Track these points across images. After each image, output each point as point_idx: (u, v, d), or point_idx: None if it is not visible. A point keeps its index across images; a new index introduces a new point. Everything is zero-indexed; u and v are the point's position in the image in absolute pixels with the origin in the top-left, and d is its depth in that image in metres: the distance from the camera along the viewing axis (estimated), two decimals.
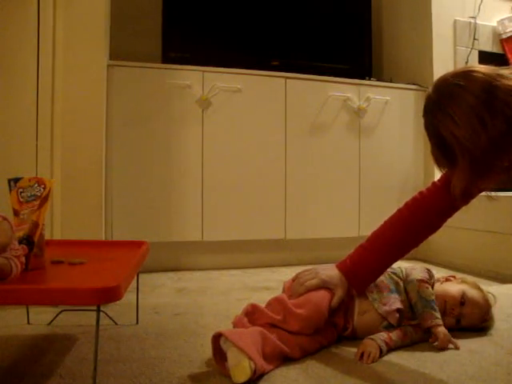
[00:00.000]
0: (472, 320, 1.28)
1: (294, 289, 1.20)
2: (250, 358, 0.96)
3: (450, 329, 1.22)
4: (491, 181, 0.97)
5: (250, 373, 0.95)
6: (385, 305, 1.23)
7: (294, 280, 1.24)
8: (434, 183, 1.22)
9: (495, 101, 0.88)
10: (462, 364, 1.09)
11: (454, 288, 1.29)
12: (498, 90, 0.88)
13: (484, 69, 0.92)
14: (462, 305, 1.26)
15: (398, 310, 1.23)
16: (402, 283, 1.29)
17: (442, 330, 1.19)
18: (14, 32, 1.69)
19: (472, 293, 1.28)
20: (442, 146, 0.95)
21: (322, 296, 1.16)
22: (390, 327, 1.22)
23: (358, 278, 1.21)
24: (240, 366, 0.96)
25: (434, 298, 1.24)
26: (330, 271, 1.20)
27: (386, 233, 1.23)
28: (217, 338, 1.03)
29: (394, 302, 1.24)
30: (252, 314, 1.13)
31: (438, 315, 1.21)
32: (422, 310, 1.22)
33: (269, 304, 1.16)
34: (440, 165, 1.01)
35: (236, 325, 1.13)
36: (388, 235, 1.22)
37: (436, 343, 1.18)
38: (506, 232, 2.06)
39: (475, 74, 0.91)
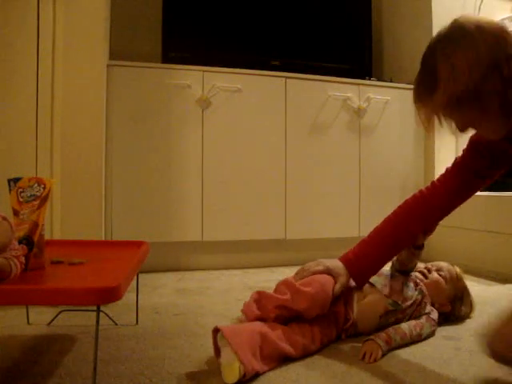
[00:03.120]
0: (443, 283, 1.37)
1: (299, 275, 1.22)
2: (241, 362, 0.97)
3: (442, 313, 1.35)
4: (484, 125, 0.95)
5: (239, 376, 0.96)
6: (386, 286, 1.28)
7: (297, 274, 1.25)
8: (433, 182, 1.28)
9: (505, 48, 0.87)
10: (462, 364, 1.09)
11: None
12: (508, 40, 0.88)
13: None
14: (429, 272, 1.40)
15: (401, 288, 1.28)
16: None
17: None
18: (13, 32, 1.69)
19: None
20: (428, 74, 0.93)
21: (326, 278, 1.19)
22: (396, 306, 1.25)
23: (360, 271, 1.25)
24: (230, 367, 0.97)
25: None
26: (334, 262, 1.25)
27: (387, 228, 1.27)
28: (216, 332, 1.04)
29: (395, 282, 1.30)
30: (259, 301, 1.14)
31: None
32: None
33: (276, 289, 1.17)
34: (419, 91, 0.97)
35: (245, 311, 1.14)
36: (388, 230, 1.27)
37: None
38: (506, 232, 2.06)
39: (487, 25, 0.90)
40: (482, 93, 0.88)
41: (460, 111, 0.92)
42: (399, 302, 1.26)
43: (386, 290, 1.27)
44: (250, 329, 1.05)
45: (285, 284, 1.16)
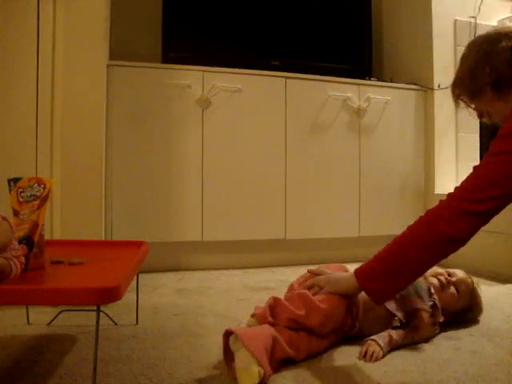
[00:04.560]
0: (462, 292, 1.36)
1: (324, 292, 1.16)
2: (260, 365, 0.94)
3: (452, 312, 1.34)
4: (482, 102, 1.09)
5: (258, 379, 0.93)
6: (392, 301, 1.25)
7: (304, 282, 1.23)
8: None
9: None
10: (462, 364, 1.09)
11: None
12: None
13: None
14: (449, 275, 1.38)
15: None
16: None
17: (426, 315, 1.24)
18: (13, 32, 1.69)
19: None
20: None
21: (341, 298, 1.15)
22: (402, 324, 1.23)
23: (363, 269, 1.14)
24: (248, 371, 0.93)
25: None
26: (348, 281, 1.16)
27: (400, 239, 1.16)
28: (227, 335, 1.01)
29: (407, 299, 1.26)
30: (274, 308, 1.12)
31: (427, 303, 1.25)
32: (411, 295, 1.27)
33: (290, 299, 1.14)
34: None
35: (258, 316, 1.11)
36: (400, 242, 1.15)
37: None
38: (505, 232, 2.06)
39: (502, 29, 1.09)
40: (475, 78, 1.06)
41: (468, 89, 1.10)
42: (403, 320, 1.24)
43: (392, 306, 1.24)
44: (262, 332, 1.03)
45: (301, 297, 1.13)
